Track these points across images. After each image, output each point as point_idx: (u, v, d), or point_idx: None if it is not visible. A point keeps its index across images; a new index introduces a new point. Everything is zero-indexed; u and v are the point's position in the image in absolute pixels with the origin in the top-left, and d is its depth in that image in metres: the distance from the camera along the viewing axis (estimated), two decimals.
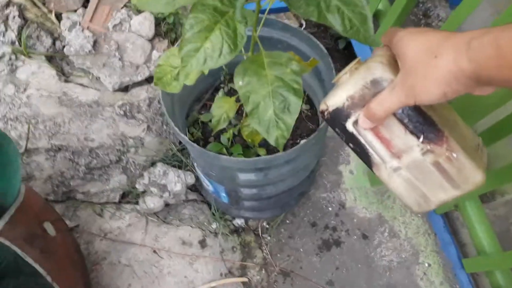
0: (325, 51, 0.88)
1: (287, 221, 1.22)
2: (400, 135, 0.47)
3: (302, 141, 1.04)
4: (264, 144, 1.01)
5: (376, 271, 1.16)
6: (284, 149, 0.79)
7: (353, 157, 1.29)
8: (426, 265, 1.16)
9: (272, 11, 1.31)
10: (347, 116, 0.49)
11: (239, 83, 0.58)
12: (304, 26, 1.62)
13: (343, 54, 1.57)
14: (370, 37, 0.47)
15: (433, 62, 0.37)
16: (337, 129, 0.51)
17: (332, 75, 0.87)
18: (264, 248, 1.19)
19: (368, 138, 0.49)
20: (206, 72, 0.67)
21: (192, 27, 0.52)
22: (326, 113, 0.50)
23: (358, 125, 0.48)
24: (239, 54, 0.71)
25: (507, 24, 0.33)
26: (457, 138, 0.46)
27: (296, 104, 0.58)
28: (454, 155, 0.45)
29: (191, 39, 0.52)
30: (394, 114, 0.46)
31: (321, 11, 0.47)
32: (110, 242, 1.15)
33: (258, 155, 0.98)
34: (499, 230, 1.11)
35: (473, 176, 0.45)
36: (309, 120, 1.07)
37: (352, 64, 0.49)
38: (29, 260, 0.69)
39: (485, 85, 0.37)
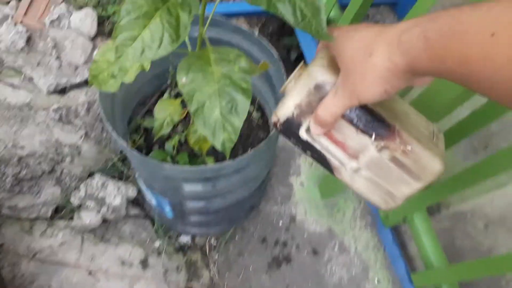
0: (276, 55, 0.86)
1: (236, 237, 1.16)
2: (352, 136, 0.46)
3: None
4: (213, 152, 0.95)
5: None
6: (234, 157, 0.75)
7: (304, 169, 1.26)
8: (376, 280, 1.15)
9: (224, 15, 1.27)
10: (299, 125, 0.48)
11: (182, 79, 0.53)
12: (256, 34, 1.60)
13: (295, 65, 1.56)
14: (322, 30, 0.44)
15: (369, 61, 0.37)
16: (292, 139, 0.50)
17: (283, 81, 0.85)
18: (211, 267, 1.12)
19: (323, 144, 0.48)
20: (147, 67, 0.61)
21: (128, 13, 0.46)
22: (278, 124, 0.49)
23: (311, 132, 0.47)
24: (184, 51, 0.66)
25: (434, 13, 0.32)
26: (410, 129, 0.45)
27: (245, 104, 0.53)
28: (409, 147, 0.44)
29: (127, 26, 0.46)
30: (343, 116, 0.45)
31: (271, 0, 0.43)
32: (40, 263, 1.03)
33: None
34: (444, 243, 1.13)
35: (431, 166, 0.44)
36: (260, 129, 1.04)
37: (296, 71, 0.48)
38: None
39: (422, 76, 0.37)
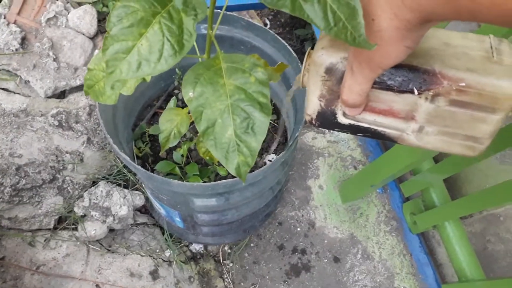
0: (294, 54, 0.77)
1: (252, 244, 1.09)
2: (395, 100, 0.40)
3: (269, 157, 0.91)
4: None
5: None
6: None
7: (323, 171, 1.18)
8: None
9: (234, 8, 1.18)
10: (334, 114, 0.44)
11: (189, 94, 0.44)
12: (268, 26, 1.51)
13: None
14: (360, 36, 0.35)
15: (374, 27, 0.33)
16: (336, 129, 0.46)
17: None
18: (225, 276, 1.06)
19: (369, 120, 0.43)
20: (148, 78, 0.53)
21: (120, 19, 0.38)
22: (313, 121, 0.46)
23: (348, 115, 0.44)
24: (193, 56, 0.58)
25: None
26: (455, 61, 0.38)
27: (263, 123, 0.45)
28: (462, 83, 0.37)
29: (119, 36, 0.38)
30: (373, 86, 0.40)
31: (296, 0, 0.34)
32: (43, 276, 0.97)
33: (218, 175, 0.85)
34: (475, 248, 1.04)
35: (500, 91, 0.37)
36: (276, 132, 0.95)
37: (305, 61, 0.45)
38: None
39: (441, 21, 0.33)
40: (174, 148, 0.86)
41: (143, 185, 0.93)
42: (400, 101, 0.40)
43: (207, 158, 0.76)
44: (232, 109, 0.45)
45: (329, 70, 0.41)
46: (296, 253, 1.09)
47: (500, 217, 1.08)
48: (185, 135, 0.88)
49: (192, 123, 0.89)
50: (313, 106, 0.45)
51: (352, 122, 0.44)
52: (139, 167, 0.66)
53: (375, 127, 0.44)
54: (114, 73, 0.38)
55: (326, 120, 0.45)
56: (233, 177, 0.76)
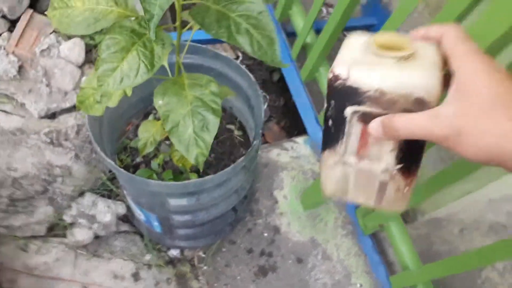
0: (253, 79, 0.92)
1: (223, 249, 1.21)
2: (384, 150, 0.39)
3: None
4: (196, 169, 1.01)
5: None
6: (216, 172, 0.81)
7: (287, 182, 1.32)
8: (358, 285, 1.20)
9: (208, 41, 1.36)
10: (357, 103, 0.37)
11: (158, 102, 0.59)
12: (240, 58, 1.69)
13: (277, 86, 1.64)
14: (276, 58, 0.51)
15: (503, 124, 0.30)
16: (332, 102, 0.40)
17: (259, 102, 0.91)
18: (200, 278, 1.17)
19: (353, 130, 0.40)
20: (129, 93, 0.68)
21: (108, 47, 0.53)
22: (339, 81, 0.38)
23: (358, 117, 0.38)
24: (166, 78, 0.73)
25: None
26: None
27: (214, 123, 0.60)
28: (406, 188, 0.41)
29: (107, 59, 0.53)
30: None
31: (231, 33, 0.50)
32: (36, 278, 1.07)
33: None
34: (422, 248, 1.18)
35: (397, 206, 0.43)
36: (242, 146, 1.10)
37: (400, 41, 0.37)
38: None
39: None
40: (152, 159, 1.00)
41: (125, 194, 1.06)
42: (383, 154, 0.41)
43: (181, 165, 0.90)
44: (192, 113, 0.60)
45: (419, 101, 0.36)
46: (264, 256, 1.22)
47: (443, 222, 1.23)
48: (158, 149, 1.02)
49: (168, 138, 1.04)
50: (364, 81, 0.38)
51: (348, 119, 0.40)
52: (121, 169, 0.79)
53: (344, 136, 0.42)
54: (103, 86, 0.53)
55: (345, 96, 0.39)
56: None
